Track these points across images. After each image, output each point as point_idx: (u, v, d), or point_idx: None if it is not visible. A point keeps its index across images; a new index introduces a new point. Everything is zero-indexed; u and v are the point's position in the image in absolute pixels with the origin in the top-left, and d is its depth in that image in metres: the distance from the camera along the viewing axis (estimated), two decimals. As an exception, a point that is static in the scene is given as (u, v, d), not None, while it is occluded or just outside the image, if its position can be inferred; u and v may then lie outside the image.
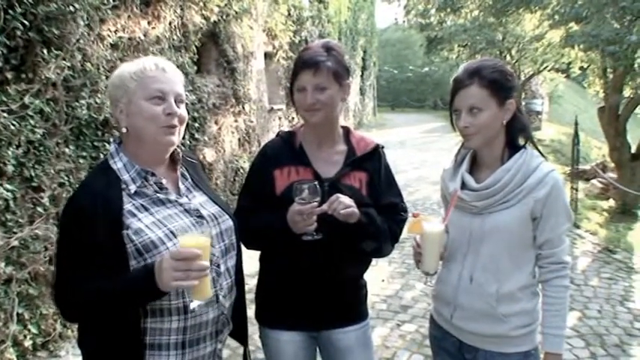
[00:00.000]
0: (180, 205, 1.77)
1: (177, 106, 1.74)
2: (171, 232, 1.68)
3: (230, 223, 1.90)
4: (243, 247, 2.02)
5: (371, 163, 2.18)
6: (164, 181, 1.78)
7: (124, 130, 1.74)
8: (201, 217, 1.79)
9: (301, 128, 2.21)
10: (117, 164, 1.74)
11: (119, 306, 1.63)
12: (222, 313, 1.81)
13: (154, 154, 1.78)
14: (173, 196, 1.78)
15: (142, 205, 1.70)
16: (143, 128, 1.71)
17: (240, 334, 2.04)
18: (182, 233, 1.62)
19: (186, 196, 1.83)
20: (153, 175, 1.75)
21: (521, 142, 2.04)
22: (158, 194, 1.75)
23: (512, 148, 2.01)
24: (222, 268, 1.82)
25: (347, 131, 2.24)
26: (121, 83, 1.72)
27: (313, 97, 2.02)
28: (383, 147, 2.26)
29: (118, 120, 1.77)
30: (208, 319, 1.76)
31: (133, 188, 1.70)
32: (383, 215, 2.12)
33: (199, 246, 1.52)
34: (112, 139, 1.88)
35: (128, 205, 1.67)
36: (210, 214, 1.84)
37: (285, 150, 2.16)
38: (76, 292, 1.63)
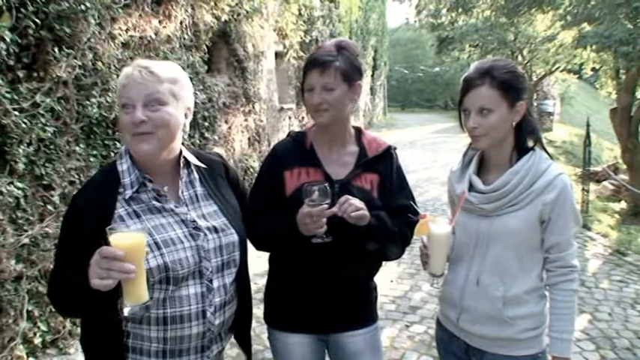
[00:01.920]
0: (177, 214, 1.73)
1: (154, 109, 1.65)
2: (156, 242, 1.64)
3: (234, 238, 1.83)
4: (250, 252, 1.97)
5: (383, 164, 2.14)
6: (165, 189, 1.75)
7: None
8: (197, 228, 1.74)
9: (312, 128, 2.18)
10: (122, 166, 1.73)
11: (78, 300, 1.58)
12: (208, 329, 1.75)
13: (143, 163, 1.73)
14: (170, 205, 1.74)
15: (135, 211, 1.68)
16: (123, 139, 1.72)
17: (244, 347, 2.04)
18: (118, 228, 1.50)
19: (187, 206, 1.77)
20: (150, 181, 1.72)
21: (530, 143, 2.01)
22: (154, 202, 1.72)
23: (521, 150, 1.99)
24: (216, 284, 1.76)
25: (359, 132, 2.21)
26: None
27: (320, 97, 2.00)
28: (395, 148, 2.22)
29: None
30: (191, 333, 1.71)
31: (128, 193, 1.69)
32: (394, 217, 2.09)
33: (127, 245, 1.44)
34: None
35: (120, 210, 1.66)
36: (211, 226, 1.78)
37: (296, 151, 2.13)
38: (55, 284, 1.67)
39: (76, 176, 4.10)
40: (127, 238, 1.46)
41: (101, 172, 1.82)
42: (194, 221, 1.74)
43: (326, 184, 1.88)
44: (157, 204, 1.71)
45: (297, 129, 2.26)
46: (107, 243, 1.46)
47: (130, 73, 1.66)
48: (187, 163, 1.84)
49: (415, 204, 2.17)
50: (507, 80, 1.90)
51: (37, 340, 3.80)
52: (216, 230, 1.78)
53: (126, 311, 1.49)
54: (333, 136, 2.13)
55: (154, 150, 1.67)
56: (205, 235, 1.74)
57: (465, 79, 1.97)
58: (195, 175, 1.85)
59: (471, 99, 1.92)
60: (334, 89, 2.00)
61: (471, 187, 2.02)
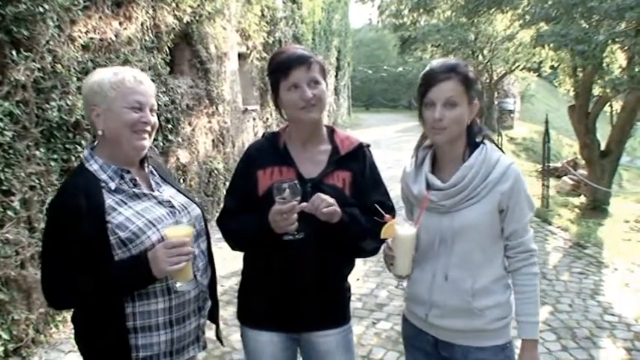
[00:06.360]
0: (154, 197, 1.97)
1: (152, 114, 1.95)
2: (150, 221, 1.86)
3: (198, 211, 2.10)
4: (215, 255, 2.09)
5: (355, 162, 2.16)
6: (137, 179, 1.96)
7: (99, 132, 1.90)
8: (172, 207, 1.98)
9: (286, 129, 2.20)
10: (93, 166, 1.90)
11: (114, 293, 1.82)
12: (201, 290, 2.02)
13: (129, 156, 1.94)
14: (147, 191, 1.97)
15: (121, 199, 1.88)
16: (119, 132, 1.88)
17: (211, 313, 2.16)
18: (169, 226, 1.85)
19: (158, 190, 2.02)
20: (128, 172, 1.93)
21: (478, 139, 2.08)
22: (134, 189, 1.93)
23: (472, 146, 2.05)
24: (197, 251, 2.02)
25: (331, 131, 2.23)
26: (100, 90, 1.87)
27: (311, 92, 2.01)
28: (368, 145, 2.24)
29: (93, 123, 1.92)
30: (190, 297, 1.97)
31: (112, 185, 1.88)
32: (368, 215, 2.08)
33: (187, 234, 1.80)
34: (85, 145, 2.11)
35: (109, 201, 1.85)
36: (180, 204, 2.03)
37: (269, 150, 2.15)
38: (70, 282, 1.80)
39: (37, 181, 4.03)
40: (182, 229, 1.82)
41: (75, 176, 1.97)
42: (168, 201, 1.99)
43: (296, 182, 1.90)
44: (137, 191, 1.93)
45: (261, 130, 2.28)
46: (105, 233, 1.78)
47: (137, 79, 1.91)
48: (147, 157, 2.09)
49: (390, 201, 2.20)
50: (470, 78, 1.98)
51: (-1, 349, 3.73)
52: (184, 207, 2.04)
53: (178, 286, 1.85)
54: (309, 135, 2.14)
55: (147, 146, 1.96)
56: (179, 211, 1.99)
57: (428, 74, 2.01)
58: (152, 166, 2.09)
59: (438, 91, 1.96)
60: (320, 83, 2.05)
61: (428, 186, 2.07)
